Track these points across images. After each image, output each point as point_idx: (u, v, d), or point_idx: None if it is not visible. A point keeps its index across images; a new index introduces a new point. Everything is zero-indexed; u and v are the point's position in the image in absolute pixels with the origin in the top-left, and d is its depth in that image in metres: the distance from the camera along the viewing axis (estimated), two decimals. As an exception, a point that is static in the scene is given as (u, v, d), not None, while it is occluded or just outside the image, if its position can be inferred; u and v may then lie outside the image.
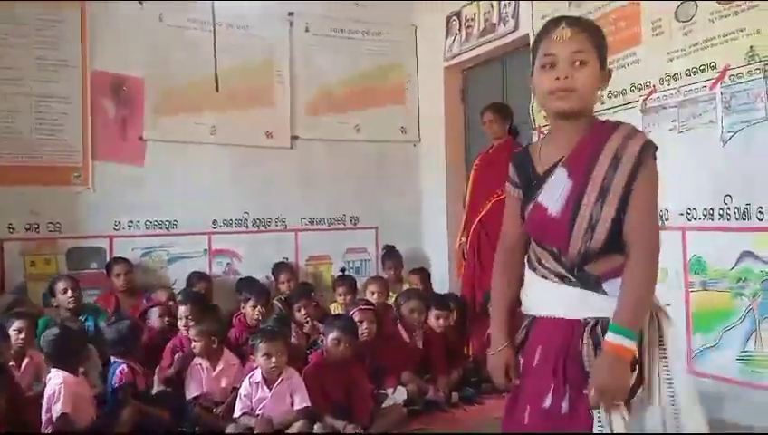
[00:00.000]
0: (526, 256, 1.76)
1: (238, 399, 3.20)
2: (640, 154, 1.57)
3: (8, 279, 4.42)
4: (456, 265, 4.95)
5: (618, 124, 1.66)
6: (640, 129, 3.55)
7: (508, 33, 4.71)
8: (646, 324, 1.59)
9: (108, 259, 4.64)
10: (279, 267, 5.02)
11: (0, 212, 4.42)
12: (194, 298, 3.92)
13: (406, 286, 5.00)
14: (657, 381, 1.58)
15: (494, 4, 4.84)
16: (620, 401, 1.53)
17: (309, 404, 3.15)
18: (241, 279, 4.89)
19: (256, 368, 3.24)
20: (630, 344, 1.52)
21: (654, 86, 3.55)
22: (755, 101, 3.06)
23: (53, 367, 3.01)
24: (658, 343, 1.59)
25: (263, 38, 5.25)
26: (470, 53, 5.17)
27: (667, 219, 3.42)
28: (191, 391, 3.36)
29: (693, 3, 3.35)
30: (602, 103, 3.82)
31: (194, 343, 3.45)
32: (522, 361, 1.74)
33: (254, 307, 4.04)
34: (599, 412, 1.54)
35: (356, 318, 3.66)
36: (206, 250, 5.03)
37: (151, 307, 4.04)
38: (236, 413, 3.17)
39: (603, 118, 1.74)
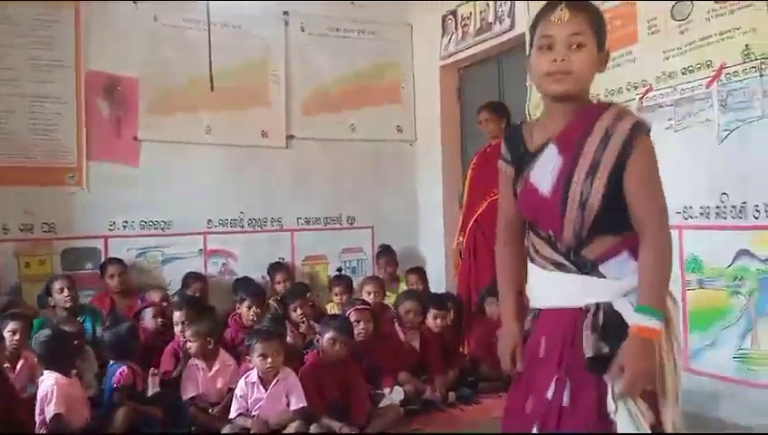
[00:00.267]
0: (526, 248, 1.75)
1: (234, 399, 3.18)
2: (631, 131, 1.56)
3: (2, 280, 4.40)
4: (453, 264, 4.94)
5: (609, 104, 1.65)
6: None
7: (504, 32, 4.70)
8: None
9: (102, 260, 4.62)
10: (275, 267, 5.01)
11: (-6, 213, 4.40)
12: (189, 302, 3.91)
13: (402, 285, 5.01)
14: (670, 369, 1.56)
15: (490, 3, 4.84)
16: (649, 387, 1.51)
17: (305, 404, 3.14)
18: (237, 279, 4.88)
19: (252, 368, 3.22)
20: (657, 325, 1.50)
21: (650, 85, 3.55)
22: (751, 99, 3.06)
23: (46, 368, 2.99)
24: (665, 328, 1.56)
25: (258, 37, 5.24)
26: (466, 52, 5.16)
27: (663, 218, 3.42)
28: (188, 392, 3.35)
29: (689, 1, 3.35)
30: (599, 102, 3.81)
31: (189, 344, 3.44)
32: (526, 350, 1.73)
33: (250, 308, 4.02)
34: (624, 403, 1.50)
35: (352, 318, 3.66)
36: (201, 250, 5.01)
37: (145, 308, 4.02)
38: (232, 414, 3.16)
39: (625, 107, 1.71)
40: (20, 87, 4.50)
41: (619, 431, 1.50)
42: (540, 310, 1.71)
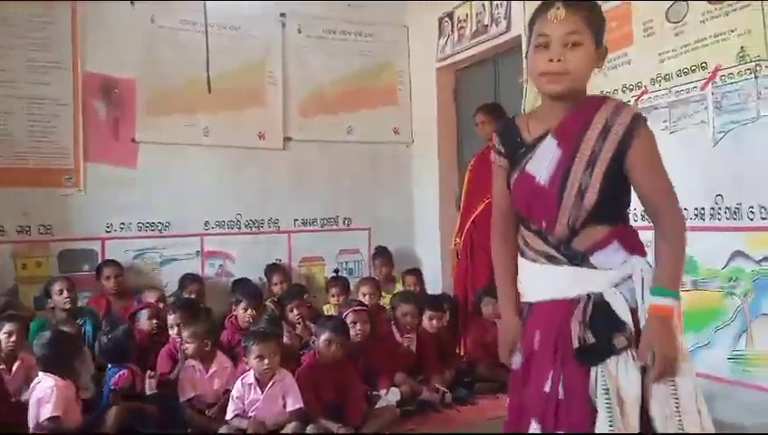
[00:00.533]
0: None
1: (230, 401, 3.19)
2: (631, 123, 1.57)
3: (-1, 282, 4.40)
4: (449, 265, 4.95)
5: (607, 98, 1.67)
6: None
7: (500, 35, 4.71)
8: None
9: (100, 261, 4.61)
10: (272, 269, 5.01)
11: (-9, 214, 4.40)
12: (184, 304, 3.91)
13: (398, 286, 5.02)
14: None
15: (486, 5, 4.85)
16: (677, 363, 1.52)
17: (302, 406, 3.15)
18: (236, 281, 4.88)
19: (249, 370, 3.23)
20: (673, 303, 1.52)
21: (645, 87, 3.56)
22: (746, 101, 3.07)
23: (44, 371, 2.99)
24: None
25: (255, 39, 5.24)
26: (462, 54, 5.17)
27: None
28: (185, 394, 3.35)
29: (684, 3, 3.36)
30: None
31: (186, 345, 3.44)
32: (521, 345, 1.74)
33: (246, 309, 4.02)
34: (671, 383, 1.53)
35: (349, 319, 3.66)
36: (198, 252, 5.01)
37: (140, 309, 4.02)
38: (229, 415, 3.17)
39: (622, 100, 1.72)
40: (17, 89, 4.50)
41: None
42: (531, 304, 1.71)
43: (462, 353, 4.31)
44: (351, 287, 4.83)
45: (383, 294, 4.88)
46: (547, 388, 1.60)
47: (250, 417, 3.14)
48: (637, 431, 1.52)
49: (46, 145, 4.58)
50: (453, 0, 5.15)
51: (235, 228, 5.14)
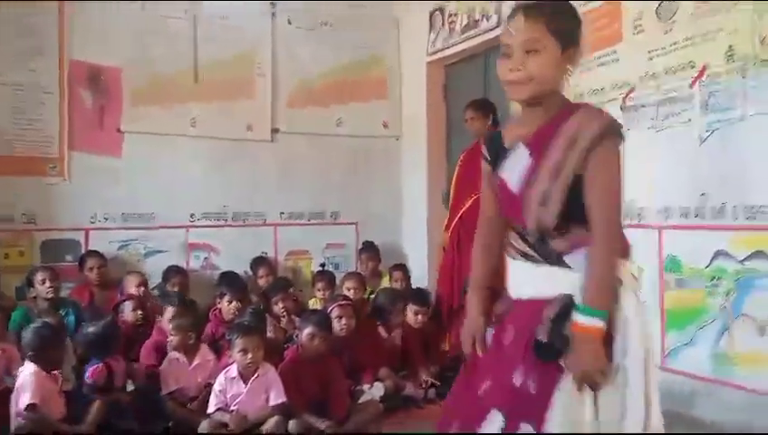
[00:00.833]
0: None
1: (213, 394, 3.17)
2: (597, 135, 1.58)
3: (-19, 271, 4.35)
4: (437, 260, 4.95)
5: (582, 105, 1.68)
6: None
7: (491, 30, 4.69)
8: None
9: (83, 252, 4.58)
10: (258, 262, 4.99)
11: (-27, 203, 4.35)
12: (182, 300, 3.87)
13: (384, 281, 5.01)
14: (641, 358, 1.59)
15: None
16: (602, 382, 1.54)
17: (285, 400, 3.13)
18: (222, 274, 4.85)
19: (232, 363, 3.21)
20: (597, 323, 1.53)
21: (633, 85, 3.56)
22: (733, 100, 3.07)
23: (30, 360, 2.96)
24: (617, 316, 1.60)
25: (244, 30, 5.20)
26: (453, 49, 5.15)
27: (643, 217, 3.44)
28: (167, 386, 3.33)
29: (674, 2, 3.36)
30: (583, 101, 3.82)
31: (170, 338, 3.42)
32: (491, 336, 1.77)
33: (231, 302, 4.00)
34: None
35: (334, 314, 3.65)
36: (183, 244, 4.98)
37: (124, 301, 3.99)
38: (211, 409, 3.14)
39: (598, 108, 1.73)
40: (1, 76, 4.45)
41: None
42: (514, 300, 1.74)
43: (447, 348, 4.30)
44: (338, 282, 4.82)
45: (369, 289, 4.88)
46: (518, 382, 1.62)
47: (232, 411, 3.12)
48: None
49: (31, 133, 4.54)
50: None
51: (221, 221, 5.11)
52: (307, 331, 3.32)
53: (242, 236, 5.14)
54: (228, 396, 3.15)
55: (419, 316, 4.04)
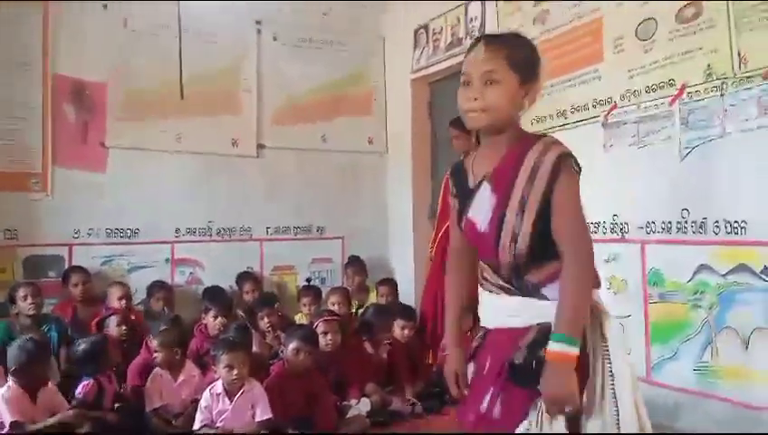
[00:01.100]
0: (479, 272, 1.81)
1: (198, 410, 3.14)
2: (555, 165, 1.60)
3: (-38, 287, 4.29)
4: (424, 274, 4.96)
5: (539, 137, 1.69)
6: (601, 143, 3.67)
7: (474, 47, 4.75)
8: (588, 326, 1.62)
9: (66, 268, 4.53)
10: (243, 277, 4.97)
11: (-45, 218, 4.30)
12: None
13: (372, 296, 5.01)
14: (600, 382, 1.61)
15: (461, 18, 4.90)
16: (572, 408, 1.56)
17: (271, 416, 3.12)
18: (206, 289, 4.82)
19: (218, 379, 3.19)
20: (571, 350, 1.55)
21: (615, 102, 3.63)
22: (712, 117, 3.14)
23: (12, 376, 2.94)
24: (601, 343, 1.63)
25: (230, 46, 5.21)
26: (437, 66, 5.21)
27: (626, 232, 3.49)
28: (152, 403, 3.30)
29: (653, 21, 3.43)
30: (565, 118, 3.89)
31: (156, 354, 3.39)
32: (472, 370, 1.79)
33: (216, 317, 3.98)
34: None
35: (320, 329, 3.65)
36: (168, 259, 4.94)
37: (109, 316, 3.95)
38: (196, 425, 3.12)
39: (562, 131, 1.77)
40: (-17, 90, 4.42)
41: None
42: (488, 330, 1.76)
43: (432, 363, 4.31)
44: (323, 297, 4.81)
45: (356, 303, 4.88)
46: (484, 407, 1.64)
47: (218, 427, 3.09)
48: None
49: (13, 148, 4.48)
50: (432, 2, 5.17)
51: (206, 236, 5.08)
52: (292, 346, 3.32)
53: (227, 251, 5.12)
54: (214, 412, 3.13)
55: (406, 331, 4.05)
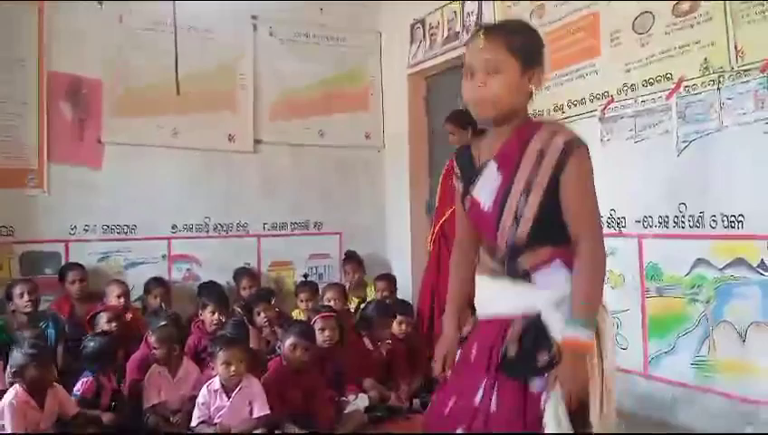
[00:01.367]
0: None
1: (196, 407, 3.14)
2: (565, 148, 1.60)
3: (-42, 284, 4.28)
4: (420, 269, 4.95)
5: (544, 123, 1.70)
6: (598, 137, 3.66)
7: (471, 42, 4.74)
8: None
9: (63, 264, 4.52)
10: (240, 273, 4.96)
11: (-49, 215, 4.29)
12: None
13: (369, 291, 5.01)
14: (596, 376, 1.61)
15: (458, 12, 4.88)
16: (584, 396, 1.55)
17: (268, 412, 3.11)
18: (202, 284, 4.82)
19: (215, 376, 3.19)
20: (587, 337, 1.55)
21: (612, 96, 3.62)
22: (709, 111, 3.13)
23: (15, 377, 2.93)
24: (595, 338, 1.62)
25: (226, 41, 5.19)
26: (434, 61, 5.19)
27: (624, 226, 3.49)
28: (150, 400, 3.30)
29: (650, 15, 3.42)
30: (563, 112, 3.88)
31: (155, 351, 3.39)
32: (458, 356, 1.80)
33: (213, 313, 3.98)
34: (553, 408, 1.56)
35: (317, 326, 3.64)
36: (164, 255, 4.93)
37: (99, 312, 3.93)
38: (194, 422, 3.12)
39: (559, 123, 1.77)
40: (-22, 87, 4.40)
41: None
42: (479, 319, 1.77)
43: (430, 358, 4.30)
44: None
45: (353, 298, 4.88)
46: (477, 399, 1.64)
47: (215, 424, 3.09)
48: None
49: (9, 144, 4.47)
50: (428, 0, 5.15)
51: (203, 232, 5.07)
52: (289, 342, 3.31)
53: (225, 247, 5.11)
54: (211, 409, 3.13)
55: (403, 326, 4.04)
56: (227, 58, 5.20)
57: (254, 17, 5.30)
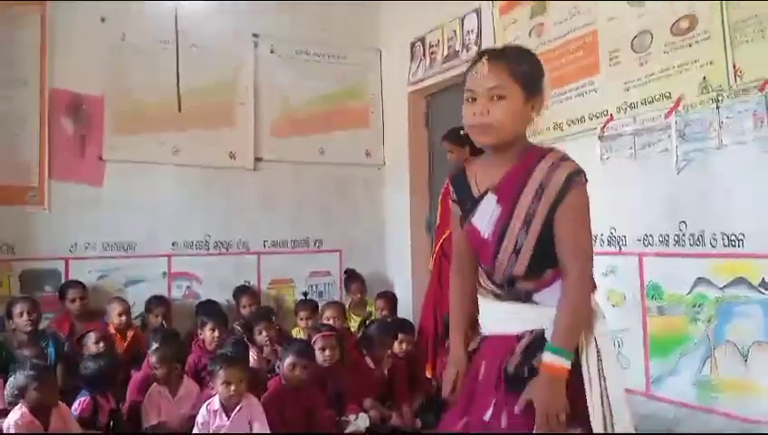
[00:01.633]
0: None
1: (195, 427, 3.11)
2: (565, 183, 1.61)
3: (-42, 302, 4.26)
4: (421, 288, 4.94)
5: (548, 151, 1.69)
6: (597, 155, 3.66)
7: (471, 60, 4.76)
8: (582, 341, 1.64)
9: (63, 282, 4.51)
10: (240, 291, 4.95)
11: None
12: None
13: (369, 309, 4.99)
14: (598, 393, 1.62)
15: (457, 31, 4.91)
16: (562, 417, 1.56)
17: (268, 432, 3.09)
18: (200, 303, 4.80)
19: (215, 395, 3.17)
20: (565, 363, 1.57)
21: (611, 115, 3.63)
22: (708, 130, 3.14)
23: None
24: (597, 356, 1.64)
25: (227, 59, 5.22)
26: (434, 79, 5.22)
27: (624, 245, 3.49)
28: (150, 419, 3.28)
29: (648, 34, 3.45)
30: (562, 130, 3.90)
31: (155, 370, 3.37)
32: (468, 374, 1.80)
33: (213, 331, 3.97)
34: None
35: (318, 345, 3.63)
36: (165, 273, 4.92)
37: (87, 332, 3.90)
38: (193, 442, 3.10)
39: (559, 143, 1.78)
40: (-21, 104, 4.42)
41: None
42: (484, 337, 1.78)
43: (431, 377, 4.28)
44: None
45: (353, 317, 4.86)
46: (487, 416, 1.64)
47: (215, 443, 3.07)
48: None
49: (10, 162, 4.48)
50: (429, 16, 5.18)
51: (203, 249, 5.07)
52: (288, 361, 3.30)
53: (225, 264, 5.10)
54: (211, 429, 3.10)
55: (404, 345, 4.02)
56: (229, 75, 5.23)
57: (255, 35, 5.34)
